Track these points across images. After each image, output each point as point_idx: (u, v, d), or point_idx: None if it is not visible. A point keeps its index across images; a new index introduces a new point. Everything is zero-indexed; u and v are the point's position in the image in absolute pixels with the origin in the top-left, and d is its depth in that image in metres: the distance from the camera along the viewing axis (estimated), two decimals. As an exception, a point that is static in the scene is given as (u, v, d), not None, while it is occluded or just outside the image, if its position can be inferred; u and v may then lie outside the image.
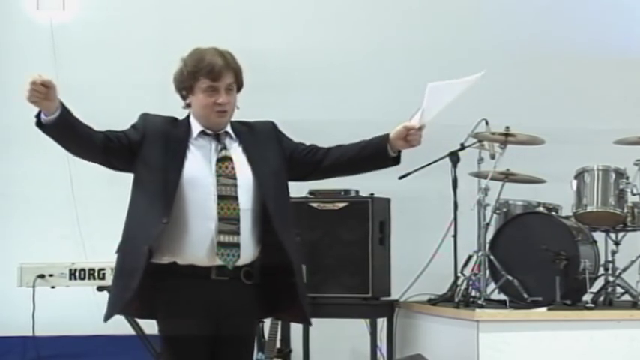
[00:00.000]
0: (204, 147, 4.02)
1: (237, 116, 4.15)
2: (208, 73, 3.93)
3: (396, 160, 4.13)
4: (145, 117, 4.06)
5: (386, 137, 4.08)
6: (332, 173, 4.27)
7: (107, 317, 3.99)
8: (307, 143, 4.20)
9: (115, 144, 3.94)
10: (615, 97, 7.65)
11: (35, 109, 3.75)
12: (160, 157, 3.95)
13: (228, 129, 4.07)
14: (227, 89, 3.97)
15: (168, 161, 3.94)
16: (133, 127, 4.03)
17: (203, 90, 3.96)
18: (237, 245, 3.94)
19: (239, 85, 4.05)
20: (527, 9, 7.83)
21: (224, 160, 4.00)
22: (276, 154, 4.09)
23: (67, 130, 3.81)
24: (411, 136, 4.01)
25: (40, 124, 3.77)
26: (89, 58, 7.45)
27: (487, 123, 6.20)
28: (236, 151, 4.05)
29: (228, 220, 3.93)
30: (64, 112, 3.76)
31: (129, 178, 4.02)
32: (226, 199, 3.94)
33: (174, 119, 4.09)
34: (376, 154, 4.11)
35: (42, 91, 3.64)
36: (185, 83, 3.99)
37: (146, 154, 3.97)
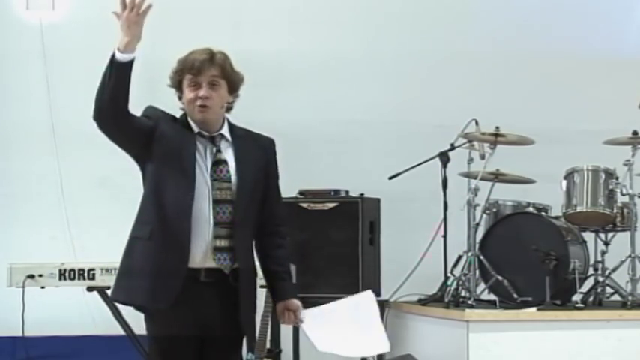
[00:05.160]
0: (200, 150, 4.03)
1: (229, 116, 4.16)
2: (190, 68, 4.00)
3: None
4: (152, 108, 4.08)
5: (282, 297, 4.15)
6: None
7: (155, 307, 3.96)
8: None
9: (135, 119, 3.95)
10: (605, 97, 7.65)
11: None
12: (174, 140, 3.96)
13: (225, 131, 4.09)
14: (210, 84, 4.00)
15: (182, 146, 3.96)
16: (146, 116, 4.03)
17: (187, 85, 4.02)
18: (232, 249, 3.97)
19: (230, 83, 4.05)
20: (517, 9, 7.83)
21: (219, 164, 4.02)
22: (261, 167, 4.11)
23: (129, 75, 3.90)
24: (286, 315, 4.12)
25: (113, 61, 3.90)
26: (79, 58, 7.43)
27: (477, 123, 6.21)
28: (228, 153, 4.06)
29: (223, 224, 3.96)
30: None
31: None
32: (221, 203, 3.97)
33: (175, 117, 4.09)
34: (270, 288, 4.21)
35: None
36: (175, 81, 4.07)
37: (161, 138, 3.96)
